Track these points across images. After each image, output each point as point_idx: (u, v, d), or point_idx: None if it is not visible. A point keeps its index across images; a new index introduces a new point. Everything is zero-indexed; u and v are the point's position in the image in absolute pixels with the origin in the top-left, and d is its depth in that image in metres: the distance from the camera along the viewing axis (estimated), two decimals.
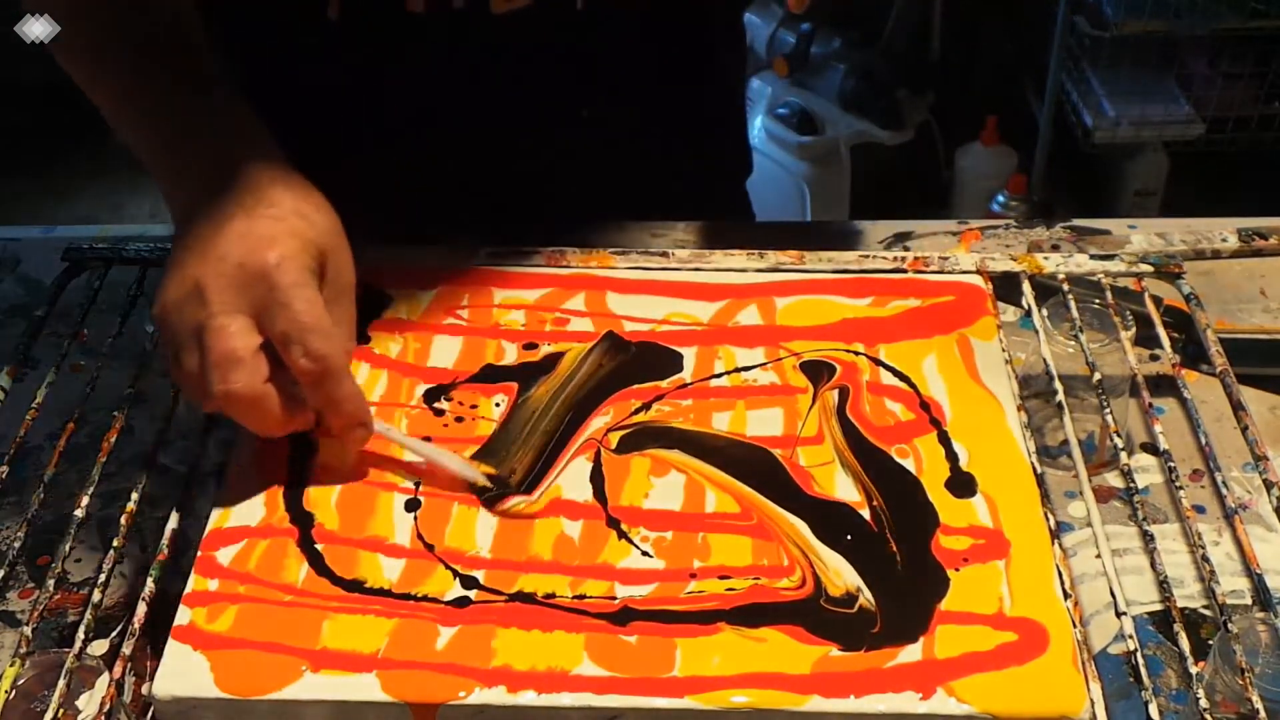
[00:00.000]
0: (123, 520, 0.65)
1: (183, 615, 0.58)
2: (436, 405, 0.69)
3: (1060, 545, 0.61)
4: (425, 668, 0.56)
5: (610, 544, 0.61)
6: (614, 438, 0.67)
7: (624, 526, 0.62)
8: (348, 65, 0.83)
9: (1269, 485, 0.65)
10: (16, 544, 0.65)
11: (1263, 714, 0.56)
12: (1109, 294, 0.76)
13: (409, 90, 0.84)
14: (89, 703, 0.58)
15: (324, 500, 0.64)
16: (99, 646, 0.65)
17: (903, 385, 0.69)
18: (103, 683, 0.59)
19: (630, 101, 0.89)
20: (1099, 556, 0.62)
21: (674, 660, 0.56)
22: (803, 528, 0.62)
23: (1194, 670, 0.58)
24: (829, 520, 0.62)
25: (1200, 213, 0.94)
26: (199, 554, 0.61)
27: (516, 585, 0.59)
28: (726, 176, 1.03)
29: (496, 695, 0.55)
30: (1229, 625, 0.59)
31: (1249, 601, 0.66)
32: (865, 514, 0.63)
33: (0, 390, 0.71)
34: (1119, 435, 0.69)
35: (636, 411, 0.68)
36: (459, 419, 0.68)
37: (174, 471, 0.73)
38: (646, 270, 0.77)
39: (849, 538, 0.61)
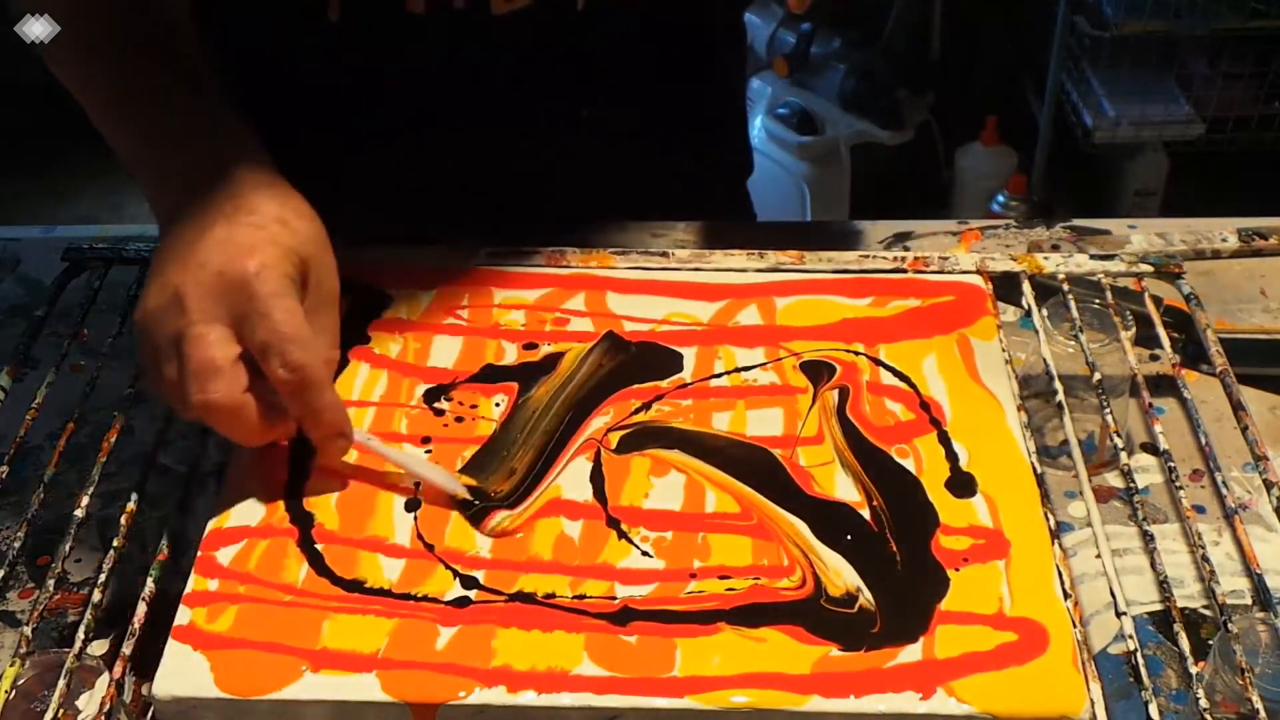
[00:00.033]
0: (123, 520, 0.65)
1: (183, 615, 0.58)
2: (436, 405, 0.69)
3: (1060, 545, 0.61)
4: (425, 668, 0.56)
5: (610, 544, 0.61)
6: (614, 438, 0.67)
7: (624, 526, 0.62)
8: (348, 66, 0.83)
9: (1269, 485, 0.65)
10: (16, 544, 0.65)
11: (1263, 714, 0.56)
12: (1109, 294, 0.76)
13: (409, 90, 0.84)
14: (89, 703, 0.58)
15: (324, 500, 0.64)
16: (99, 646, 0.65)
17: (903, 385, 0.69)
18: (103, 683, 0.59)
19: (630, 101, 0.89)
20: (1099, 556, 0.62)
21: (674, 660, 0.56)
22: (803, 528, 0.62)
23: (1194, 670, 0.58)
24: (829, 520, 0.62)
25: (1200, 213, 0.94)
26: (199, 554, 0.61)
27: (516, 585, 0.59)
28: (727, 176, 1.03)
29: (496, 695, 0.55)
30: (1229, 625, 0.59)
31: (1249, 601, 0.66)
32: (865, 514, 0.63)
33: (0, 390, 0.71)
34: (1119, 435, 0.69)
35: (636, 411, 0.68)
36: (459, 419, 0.68)
37: (174, 471, 0.73)
38: (646, 270, 0.77)
39: (849, 538, 0.61)
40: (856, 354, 0.71)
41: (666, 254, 0.78)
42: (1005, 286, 0.78)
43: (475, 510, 0.63)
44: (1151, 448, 0.76)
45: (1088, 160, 2.22)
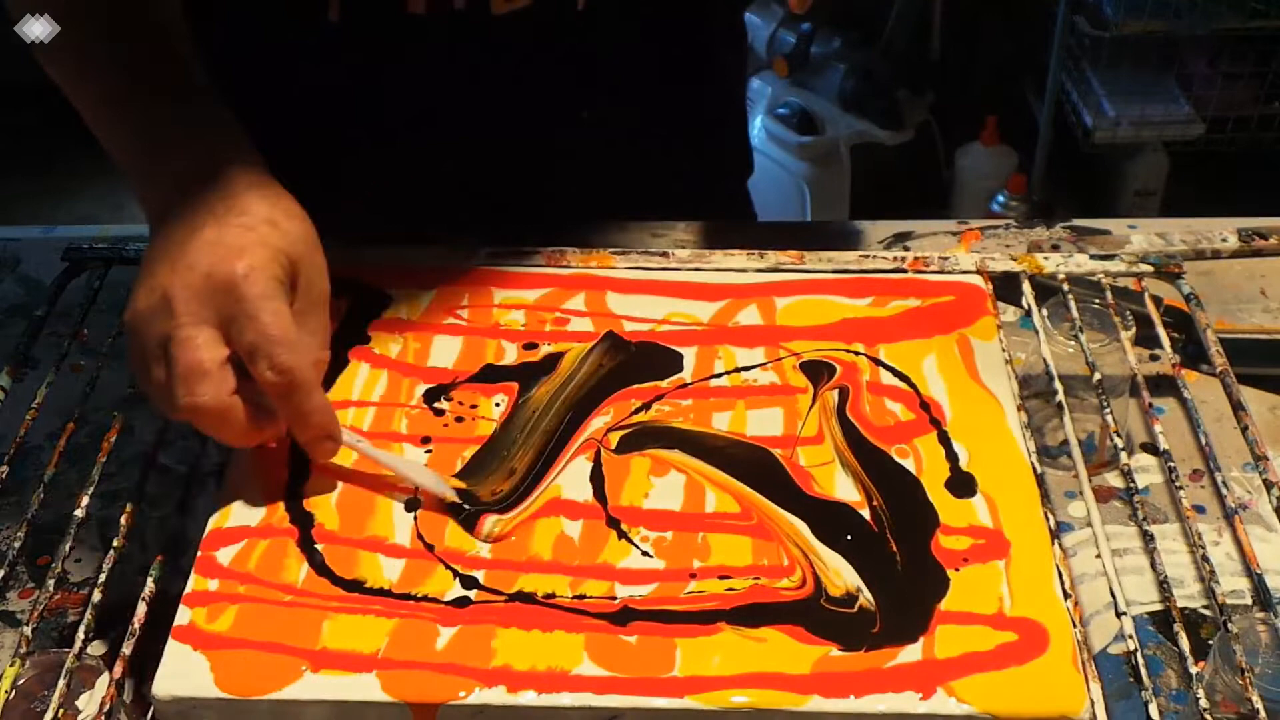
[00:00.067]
0: (123, 520, 0.65)
1: (183, 615, 0.58)
2: (436, 405, 0.69)
3: (1060, 545, 0.61)
4: (425, 668, 0.56)
5: (610, 544, 0.61)
6: (614, 438, 0.67)
7: (624, 526, 0.62)
8: (348, 66, 0.83)
9: (1269, 485, 0.65)
10: (16, 544, 0.65)
11: (1263, 714, 0.56)
12: (1109, 294, 0.76)
13: (409, 90, 0.84)
14: (89, 703, 0.58)
15: (324, 500, 0.64)
16: (99, 646, 0.65)
17: (903, 385, 0.70)
18: (103, 683, 0.59)
19: (630, 101, 0.89)
20: (1099, 556, 0.62)
21: (674, 660, 0.56)
22: (803, 528, 0.62)
23: (1194, 670, 0.58)
24: (829, 520, 0.62)
25: (1200, 213, 0.94)
26: (199, 554, 0.61)
27: (516, 585, 0.60)
28: (727, 176, 1.03)
29: (496, 695, 0.55)
30: (1229, 625, 0.59)
31: (1249, 601, 0.66)
32: (865, 514, 0.63)
33: (0, 390, 0.71)
34: (1119, 435, 0.69)
35: (636, 411, 0.68)
36: (459, 419, 0.68)
37: (174, 471, 0.73)
38: (646, 270, 0.77)
39: (849, 538, 0.61)
40: (856, 354, 0.71)
41: (666, 254, 0.78)
42: (1005, 286, 0.78)
43: (466, 515, 0.63)
44: (1151, 448, 0.76)
45: (1088, 160, 2.22)
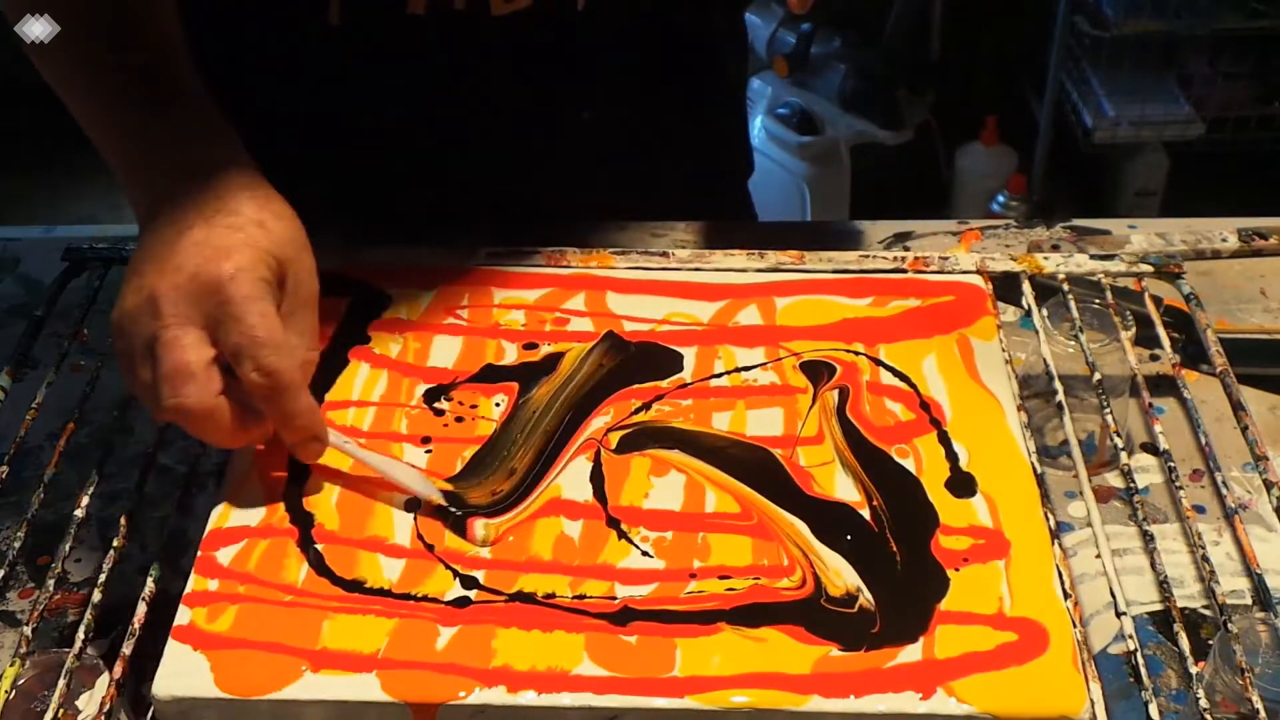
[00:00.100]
0: (123, 520, 0.65)
1: (183, 615, 0.58)
2: (436, 405, 0.69)
3: (1060, 545, 0.61)
4: (425, 668, 0.56)
5: (610, 544, 0.61)
6: (614, 438, 0.67)
7: (624, 526, 0.62)
8: (349, 67, 0.83)
9: (1269, 485, 0.65)
10: (16, 544, 0.65)
11: (1263, 714, 0.56)
12: (1109, 294, 0.76)
13: (410, 91, 0.84)
14: (89, 703, 0.59)
15: (324, 500, 0.64)
16: (99, 647, 0.65)
17: (903, 385, 0.70)
18: (103, 683, 0.59)
19: (631, 102, 0.89)
20: (1099, 556, 0.62)
21: (674, 660, 0.56)
22: (803, 528, 0.62)
23: (1194, 670, 0.58)
24: (829, 520, 0.62)
25: (1200, 213, 0.94)
26: (199, 554, 0.61)
27: (516, 585, 0.60)
28: (727, 176, 1.03)
29: (496, 695, 0.55)
30: (1229, 625, 0.59)
31: (1249, 601, 0.66)
32: (865, 514, 0.63)
33: (0, 390, 0.71)
34: (1119, 435, 0.69)
35: (636, 411, 0.68)
36: (459, 419, 0.68)
37: (174, 471, 0.73)
38: (646, 270, 0.78)
39: (849, 538, 0.61)
40: (856, 354, 0.71)
41: (666, 254, 0.78)
42: (1005, 286, 0.78)
43: (454, 520, 0.63)
44: (1151, 448, 0.76)
45: (1088, 160, 2.22)
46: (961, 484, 0.64)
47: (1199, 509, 0.72)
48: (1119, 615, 0.60)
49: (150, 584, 0.62)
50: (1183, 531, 0.70)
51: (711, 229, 0.93)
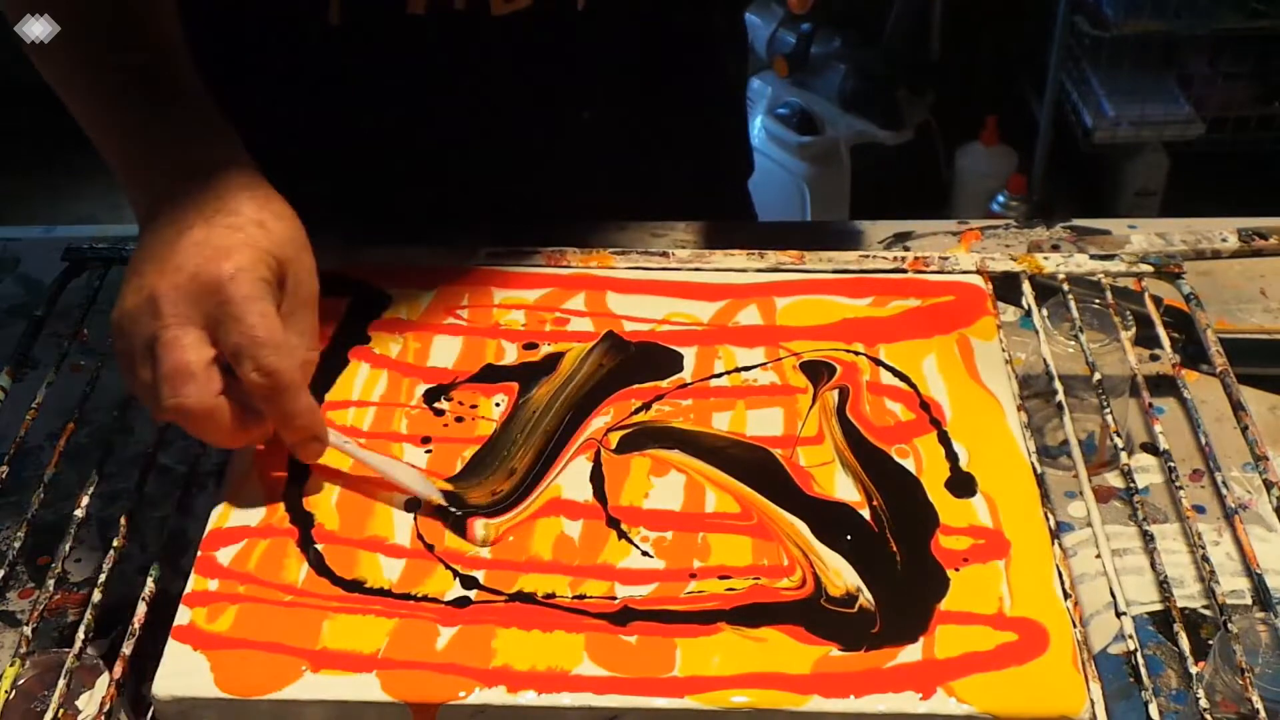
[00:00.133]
0: (123, 520, 0.65)
1: (183, 615, 0.58)
2: (436, 405, 0.69)
3: (1060, 545, 0.61)
4: (425, 668, 0.56)
5: (610, 544, 0.61)
6: (614, 438, 0.67)
7: (624, 526, 0.62)
8: (349, 67, 0.83)
9: (1269, 485, 0.65)
10: (16, 544, 0.65)
11: (1263, 714, 0.56)
12: (1109, 294, 0.76)
13: (410, 91, 0.84)
14: (89, 703, 0.59)
15: (324, 500, 0.64)
16: (99, 646, 0.65)
17: (903, 385, 0.70)
18: (103, 683, 0.59)
19: (631, 102, 0.89)
20: (1099, 556, 0.62)
21: (674, 660, 0.56)
22: (803, 528, 0.62)
23: (1194, 670, 0.58)
24: (829, 520, 0.62)
25: (1200, 213, 0.94)
26: (199, 554, 0.61)
27: (516, 585, 0.60)
28: (727, 177, 1.03)
29: (496, 695, 0.55)
30: (1229, 625, 0.59)
31: (1249, 601, 0.66)
32: (865, 514, 0.63)
33: (0, 390, 0.71)
34: (1119, 435, 0.69)
35: (636, 411, 0.68)
36: (459, 419, 0.68)
37: (174, 471, 0.73)
38: (646, 270, 0.78)
39: (849, 538, 0.61)
40: (856, 354, 0.71)
41: (666, 254, 0.78)
42: (1005, 286, 0.78)
43: (454, 520, 0.62)
44: (1151, 448, 0.76)
45: (1088, 160, 2.22)
46: (961, 484, 0.64)
47: (1199, 509, 0.72)
48: (1119, 615, 0.60)
49: (150, 584, 0.62)
50: (1183, 531, 0.70)
51: (711, 229, 0.93)
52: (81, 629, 0.60)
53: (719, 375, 0.70)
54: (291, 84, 0.85)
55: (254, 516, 0.63)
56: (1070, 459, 0.67)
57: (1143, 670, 0.58)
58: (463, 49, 0.83)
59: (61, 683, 0.58)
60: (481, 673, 0.56)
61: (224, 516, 0.63)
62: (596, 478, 0.65)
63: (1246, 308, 0.87)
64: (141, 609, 0.61)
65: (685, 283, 0.76)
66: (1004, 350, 0.72)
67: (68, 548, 0.64)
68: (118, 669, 0.58)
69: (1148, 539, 0.65)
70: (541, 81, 0.85)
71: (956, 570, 0.60)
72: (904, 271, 0.77)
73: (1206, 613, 0.67)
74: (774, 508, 0.63)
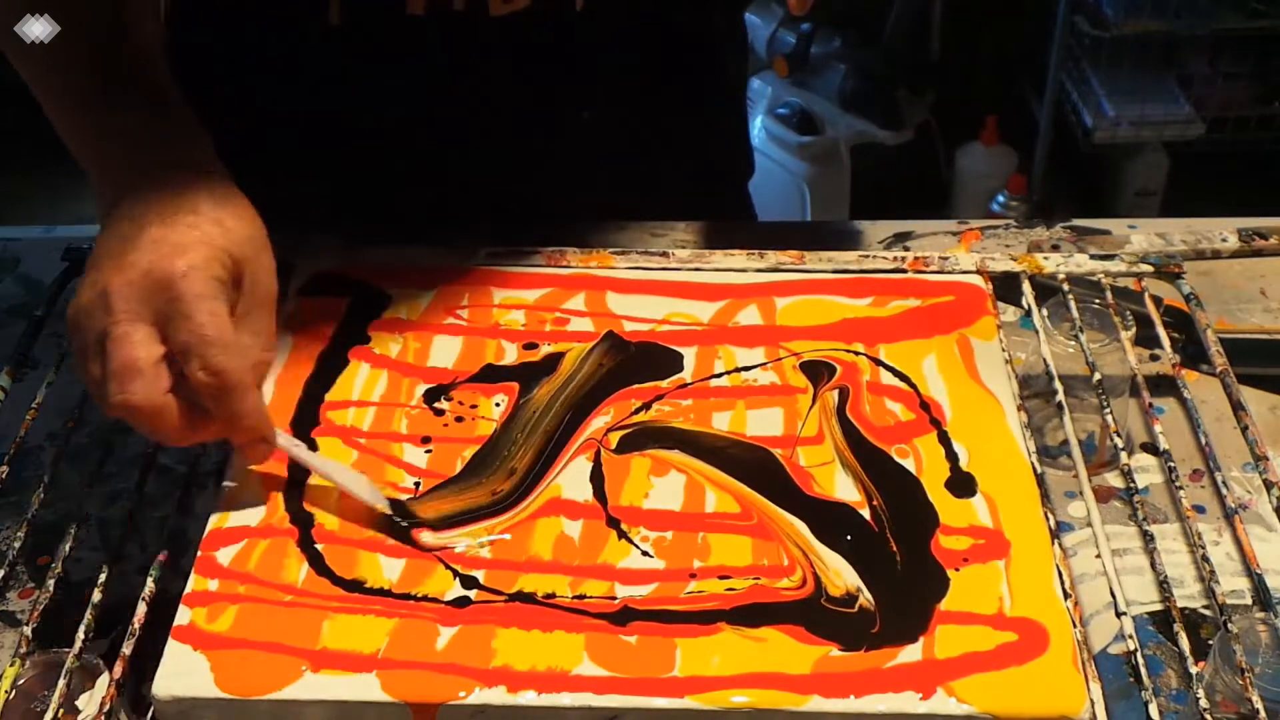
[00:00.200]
0: (123, 520, 0.65)
1: (183, 615, 0.58)
2: (436, 405, 0.69)
3: (1060, 545, 0.61)
4: (425, 668, 0.56)
5: (610, 544, 0.61)
6: (614, 438, 0.67)
7: (624, 526, 0.62)
8: (349, 67, 0.83)
9: (1269, 485, 0.65)
10: (16, 544, 0.65)
11: (1263, 714, 0.56)
12: (1109, 294, 0.76)
13: (409, 91, 0.84)
14: (89, 703, 0.58)
15: (324, 500, 0.64)
16: (99, 646, 0.65)
17: (903, 385, 0.69)
18: (103, 683, 0.59)
19: (631, 102, 0.89)
20: (1099, 556, 0.62)
21: (674, 660, 0.56)
22: (803, 528, 0.62)
23: (1194, 670, 0.58)
24: (829, 520, 0.62)
25: (1200, 213, 0.94)
26: (199, 554, 0.61)
27: (516, 585, 0.59)
28: (727, 177, 1.03)
29: (496, 695, 0.55)
30: (1229, 625, 0.59)
31: (1249, 601, 0.66)
32: (865, 514, 0.63)
33: (0, 390, 0.71)
34: (1119, 435, 0.69)
35: (636, 411, 0.68)
36: (459, 419, 0.68)
37: (174, 471, 0.73)
38: (646, 270, 0.78)
39: (849, 538, 0.61)
40: (856, 354, 0.71)
41: (666, 254, 0.78)
42: (1005, 286, 0.78)
43: (400, 530, 0.62)
44: (1151, 448, 0.76)
45: (1088, 160, 2.22)
46: (961, 484, 0.64)
47: (1199, 509, 0.72)
48: (1119, 615, 0.60)
49: (150, 584, 0.62)
50: (1183, 531, 0.70)
51: (711, 229, 0.93)
52: (81, 629, 0.60)
53: (719, 375, 0.70)
54: (291, 84, 0.85)
55: (254, 516, 0.63)
56: (1070, 459, 0.67)
57: (1143, 670, 0.58)
58: (462, 49, 0.83)
59: (61, 683, 0.58)
60: (481, 673, 0.56)
61: (224, 516, 0.63)
62: (596, 478, 0.65)
63: (1246, 308, 0.87)
64: (141, 609, 0.61)
65: (685, 283, 0.76)
66: (1004, 350, 0.72)
67: (68, 548, 0.64)
68: (118, 669, 0.58)
69: (1148, 539, 0.65)
70: (541, 81, 0.85)
71: (956, 570, 0.60)
72: (904, 271, 0.77)
73: (1206, 613, 0.67)
74: (774, 508, 0.63)
